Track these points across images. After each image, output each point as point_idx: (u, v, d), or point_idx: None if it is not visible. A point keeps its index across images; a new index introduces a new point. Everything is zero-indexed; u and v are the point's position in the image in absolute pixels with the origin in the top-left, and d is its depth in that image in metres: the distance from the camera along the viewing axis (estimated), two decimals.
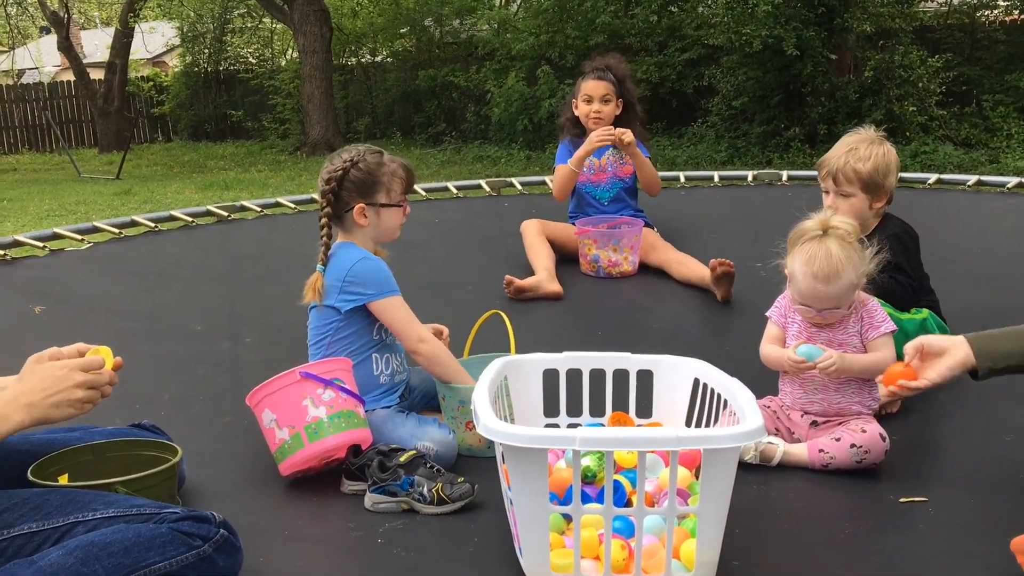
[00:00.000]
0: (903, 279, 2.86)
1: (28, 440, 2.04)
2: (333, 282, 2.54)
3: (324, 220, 2.59)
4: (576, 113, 4.41)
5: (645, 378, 2.36)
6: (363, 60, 16.70)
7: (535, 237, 4.21)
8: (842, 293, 2.35)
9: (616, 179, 4.40)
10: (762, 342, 2.55)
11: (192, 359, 3.33)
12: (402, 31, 15.91)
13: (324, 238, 2.59)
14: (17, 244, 4.48)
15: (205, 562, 1.75)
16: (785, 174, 6.10)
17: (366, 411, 2.44)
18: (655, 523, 1.86)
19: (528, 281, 3.86)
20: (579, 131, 4.43)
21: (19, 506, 1.74)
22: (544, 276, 3.91)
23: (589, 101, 4.35)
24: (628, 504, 1.93)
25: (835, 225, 2.37)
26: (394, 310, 2.53)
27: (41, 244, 4.55)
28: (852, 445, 2.30)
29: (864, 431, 2.32)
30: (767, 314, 2.57)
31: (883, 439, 2.31)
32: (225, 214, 5.32)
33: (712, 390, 2.15)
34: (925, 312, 2.91)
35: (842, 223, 2.39)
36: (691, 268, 3.98)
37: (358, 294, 2.52)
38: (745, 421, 1.81)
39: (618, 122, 4.34)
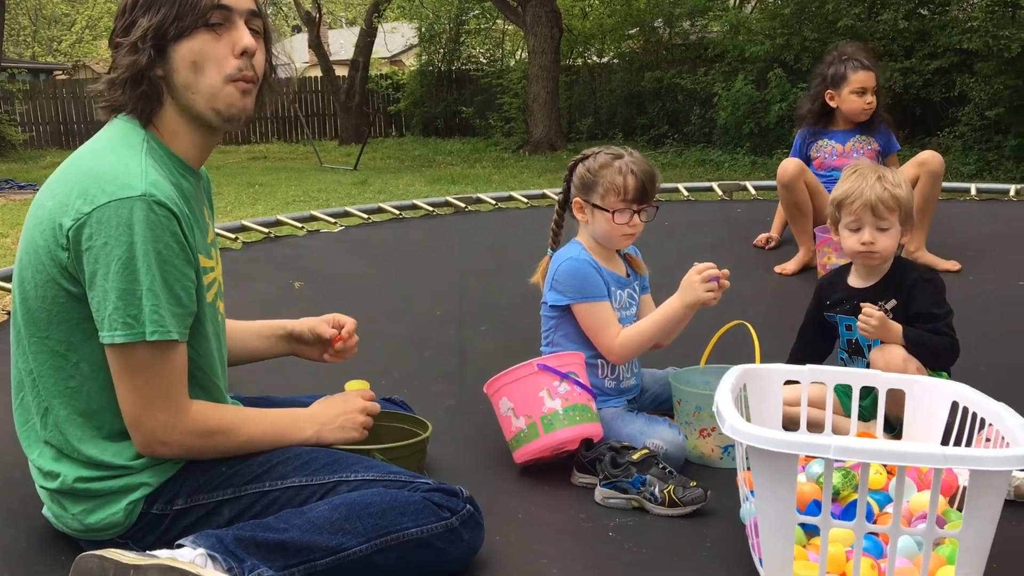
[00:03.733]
0: (953, 335, 2.47)
1: (270, 400, 2.22)
2: (549, 276, 2.60)
3: (557, 206, 2.71)
4: (835, 104, 4.29)
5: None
6: (589, 61, 16.85)
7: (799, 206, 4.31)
8: None
9: None
10: None
11: (431, 340, 3.50)
12: (631, 32, 15.92)
13: (552, 224, 2.70)
14: (279, 223, 4.88)
15: (452, 534, 1.83)
16: None
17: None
18: (907, 546, 1.77)
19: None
20: (824, 123, 4.33)
21: (291, 460, 1.89)
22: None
23: (862, 93, 4.22)
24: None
25: None
26: (586, 316, 2.52)
27: (300, 225, 4.94)
28: None
29: None
30: None
31: None
32: (463, 205, 5.56)
33: (972, 416, 2.01)
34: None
35: None
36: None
37: (561, 293, 2.54)
38: (1018, 445, 1.69)
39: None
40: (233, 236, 4.67)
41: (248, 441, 1.89)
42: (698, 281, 2.41)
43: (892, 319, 2.49)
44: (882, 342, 2.48)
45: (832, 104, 4.30)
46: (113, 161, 1.74)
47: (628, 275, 2.65)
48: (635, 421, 2.47)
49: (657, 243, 4.71)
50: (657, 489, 2.15)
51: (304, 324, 2.24)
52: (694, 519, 2.12)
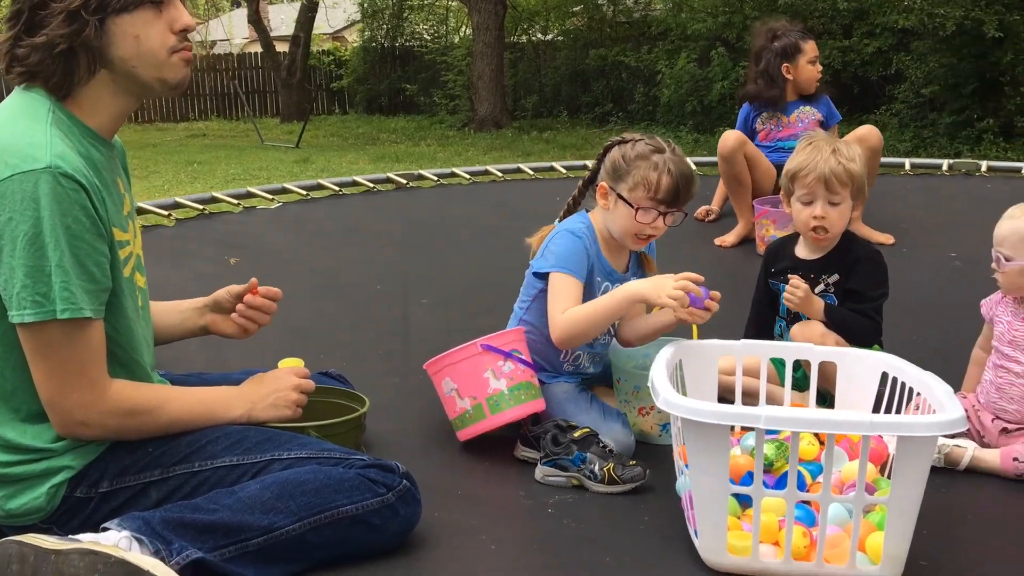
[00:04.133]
0: (877, 318, 2.51)
1: (201, 378, 2.17)
2: (545, 243, 2.47)
3: (581, 183, 2.57)
4: (791, 76, 4.36)
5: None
6: (534, 38, 16.79)
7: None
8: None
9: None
10: None
11: (372, 316, 3.46)
12: (575, 9, 15.87)
13: (570, 198, 2.56)
14: (215, 200, 4.78)
15: (388, 509, 1.81)
16: (984, 164, 5.75)
17: (545, 383, 2.44)
18: (839, 514, 1.80)
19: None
20: (775, 95, 4.37)
21: (221, 439, 1.85)
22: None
23: (814, 61, 4.37)
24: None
25: None
26: (555, 284, 2.36)
27: (236, 201, 4.85)
28: None
29: None
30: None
31: None
32: (404, 182, 5.50)
33: (901, 386, 2.04)
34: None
35: None
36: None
37: (545, 259, 2.42)
38: (944, 412, 1.72)
39: None
40: (166, 213, 4.56)
41: (174, 420, 1.84)
42: (670, 284, 2.18)
43: (832, 293, 2.52)
44: (805, 315, 2.51)
45: (789, 76, 4.36)
46: (16, 133, 1.68)
47: (627, 271, 2.52)
48: (590, 412, 2.38)
49: None
50: (597, 467, 2.15)
51: (220, 291, 2.16)
52: (633, 496, 2.13)
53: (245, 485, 1.77)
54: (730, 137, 4.28)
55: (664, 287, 2.18)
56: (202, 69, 19.19)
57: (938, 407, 1.78)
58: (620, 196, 2.35)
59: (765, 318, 2.69)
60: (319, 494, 1.76)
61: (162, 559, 1.60)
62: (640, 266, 2.56)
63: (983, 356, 2.45)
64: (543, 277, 2.43)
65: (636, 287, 2.27)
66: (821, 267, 2.55)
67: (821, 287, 2.53)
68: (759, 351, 2.28)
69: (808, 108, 4.43)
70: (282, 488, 1.75)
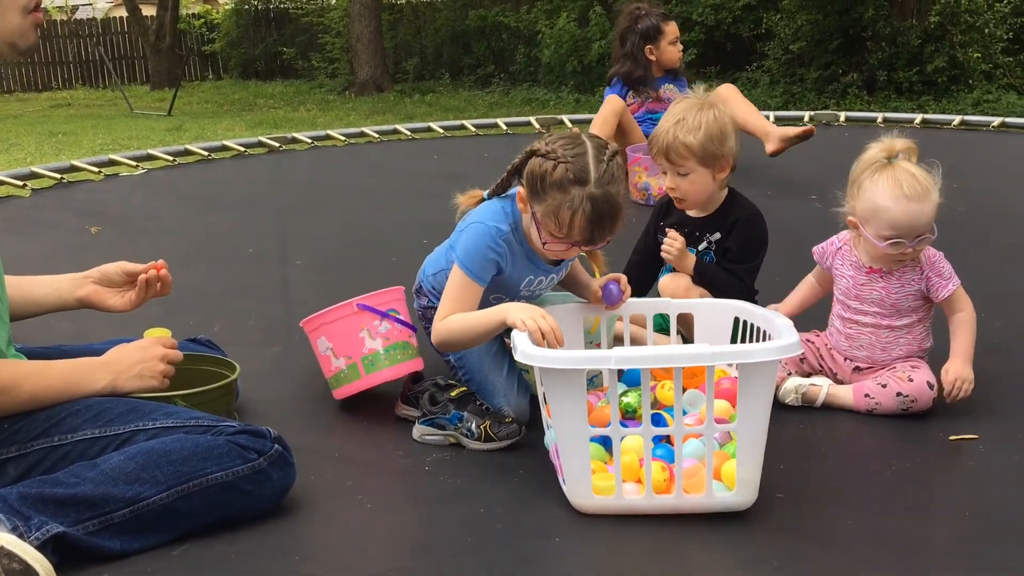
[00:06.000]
0: (748, 280, 2.55)
1: (61, 350, 2.09)
2: (463, 224, 2.31)
3: (510, 167, 2.24)
4: (654, 57, 4.54)
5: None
6: None
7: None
8: (932, 213, 2.24)
9: None
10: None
11: (245, 281, 3.41)
12: None
13: (502, 177, 2.27)
14: (74, 169, 4.58)
15: (260, 475, 1.80)
16: (843, 115, 6.03)
17: None
18: (696, 449, 1.88)
19: None
20: (642, 75, 4.51)
21: (82, 412, 1.80)
22: None
23: (675, 41, 4.56)
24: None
25: (901, 148, 2.29)
26: (453, 279, 2.21)
27: (97, 169, 4.65)
28: (898, 394, 2.27)
29: (911, 380, 2.28)
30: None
31: (931, 387, 2.27)
32: (276, 145, 5.38)
33: (752, 328, 2.15)
34: None
35: (905, 144, 2.30)
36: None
37: (458, 245, 2.26)
38: (781, 339, 1.82)
39: None
40: (21, 183, 4.34)
41: (32, 397, 1.78)
42: (529, 314, 2.01)
43: (712, 251, 2.60)
44: (676, 268, 2.59)
45: (651, 58, 4.55)
46: None
47: (558, 264, 2.32)
48: (507, 377, 2.30)
49: (476, 173, 4.75)
50: (474, 425, 2.17)
51: (108, 265, 2.11)
52: (509, 452, 2.15)
53: (108, 457, 1.74)
54: (614, 101, 4.45)
55: (523, 312, 2.03)
56: (64, 35, 18.22)
57: (777, 336, 1.88)
58: (534, 215, 2.13)
59: (649, 266, 2.71)
60: (186, 462, 1.73)
61: (20, 535, 1.56)
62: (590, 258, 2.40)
63: (814, 283, 2.56)
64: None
65: (504, 310, 2.08)
66: (705, 225, 2.60)
67: (704, 244, 2.60)
68: (622, 309, 2.32)
69: (671, 87, 4.60)
70: (147, 458, 1.72)
